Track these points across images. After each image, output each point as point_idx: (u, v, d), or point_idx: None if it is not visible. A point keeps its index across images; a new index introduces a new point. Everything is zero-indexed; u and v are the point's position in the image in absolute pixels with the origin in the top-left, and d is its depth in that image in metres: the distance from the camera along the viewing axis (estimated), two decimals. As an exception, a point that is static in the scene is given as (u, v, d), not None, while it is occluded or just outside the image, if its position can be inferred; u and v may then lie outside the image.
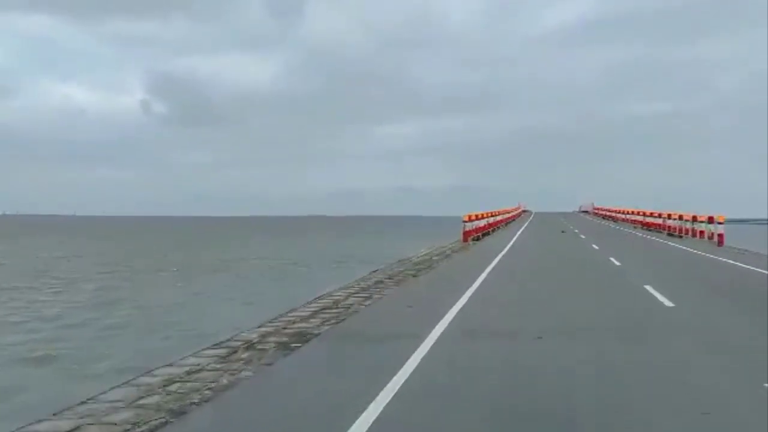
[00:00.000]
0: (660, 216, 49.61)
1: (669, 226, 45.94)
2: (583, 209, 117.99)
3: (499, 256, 27.29)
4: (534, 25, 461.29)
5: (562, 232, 49.18)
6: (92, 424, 6.42)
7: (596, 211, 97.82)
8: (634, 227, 57.87)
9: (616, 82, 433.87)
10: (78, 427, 6.32)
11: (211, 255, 51.22)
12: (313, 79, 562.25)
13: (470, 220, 39.06)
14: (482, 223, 44.32)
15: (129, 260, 45.31)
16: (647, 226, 52.47)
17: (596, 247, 33.67)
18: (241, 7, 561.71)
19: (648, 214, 53.15)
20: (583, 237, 43.59)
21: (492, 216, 51.03)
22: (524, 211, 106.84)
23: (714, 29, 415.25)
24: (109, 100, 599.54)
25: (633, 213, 62.46)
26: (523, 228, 57.20)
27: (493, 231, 50.19)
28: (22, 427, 6.41)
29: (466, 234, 38.06)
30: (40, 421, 6.61)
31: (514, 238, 41.40)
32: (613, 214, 76.87)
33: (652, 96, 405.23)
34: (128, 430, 6.23)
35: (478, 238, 40.39)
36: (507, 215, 68.75)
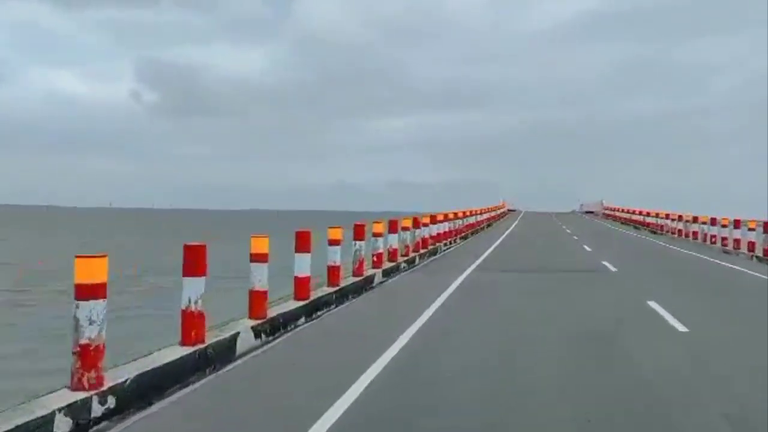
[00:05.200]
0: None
1: None
2: (586, 209, 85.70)
3: None
4: (533, 20, 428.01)
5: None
6: None
7: (608, 213, 65.78)
8: (731, 255, 26.06)
9: (616, 80, 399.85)
10: None
11: None
12: (306, 70, 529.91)
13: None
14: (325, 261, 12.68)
15: None
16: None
17: None
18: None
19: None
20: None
21: (405, 228, 19.55)
22: (510, 211, 75.24)
23: (715, 28, 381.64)
24: (99, 89, 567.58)
25: (709, 223, 30.34)
26: (493, 247, 25.76)
27: (416, 262, 18.79)
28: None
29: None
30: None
31: (419, 326, 9.39)
32: (649, 221, 44.58)
33: (651, 94, 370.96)
34: None
35: (293, 319, 8.55)
36: (475, 219, 37.19)
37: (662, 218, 41.09)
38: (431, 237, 24.57)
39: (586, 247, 26.83)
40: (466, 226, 34.18)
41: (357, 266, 14.37)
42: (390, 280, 15.89)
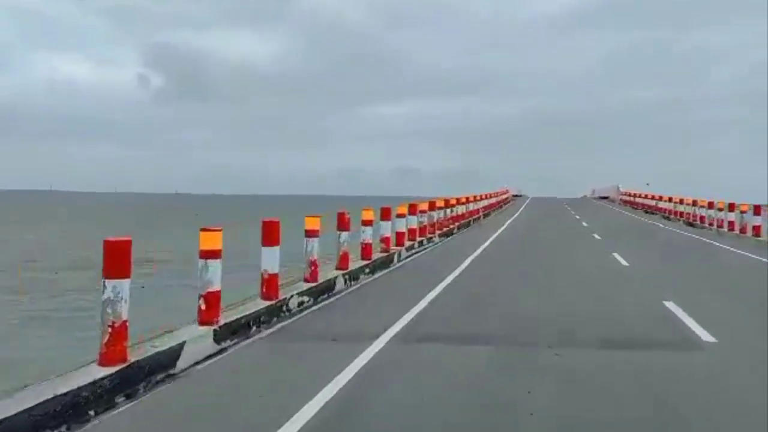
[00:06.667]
0: None
1: None
2: (600, 194, 76.85)
3: None
4: (536, 8, 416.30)
5: None
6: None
7: (627, 200, 56.93)
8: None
9: (619, 68, 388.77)
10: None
11: None
12: (311, 57, 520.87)
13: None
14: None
15: None
16: None
17: None
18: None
19: None
20: None
21: (310, 234, 10.91)
22: (516, 196, 67.50)
23: (717, 18, 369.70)
24: (104, 74, 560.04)
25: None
26: (477, 253, 17.25)
27: (336, 289, 10.35)
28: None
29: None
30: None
31: None
32: (683, 210, 35.63)
33: (653, 83, 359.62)
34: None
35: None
36: (465, 209, 28.91)
37: (702, 207, 32.31)
38: (383, 240, 16.11)
39: (619, 259, 16.98)
40: (452, 218, 25.67)
41: (107, 342, 5.88)
42: (219, 359, 7.32)
